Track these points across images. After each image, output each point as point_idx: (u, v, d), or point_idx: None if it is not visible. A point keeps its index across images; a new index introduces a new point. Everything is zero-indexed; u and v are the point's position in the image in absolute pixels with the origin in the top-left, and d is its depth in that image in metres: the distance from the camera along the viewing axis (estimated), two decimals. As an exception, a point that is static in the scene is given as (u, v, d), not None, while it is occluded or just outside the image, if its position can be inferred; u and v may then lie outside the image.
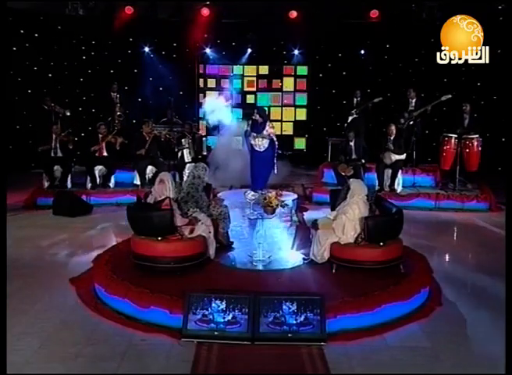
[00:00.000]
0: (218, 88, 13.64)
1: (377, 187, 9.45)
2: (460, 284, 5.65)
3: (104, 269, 5.23)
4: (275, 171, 9.92)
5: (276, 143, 10.06)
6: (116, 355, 4.05)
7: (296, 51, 13.02)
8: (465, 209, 9.17)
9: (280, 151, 12.41)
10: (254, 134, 9.81)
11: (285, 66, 13.54)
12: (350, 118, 11.11)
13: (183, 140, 10.35)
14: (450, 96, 9.95)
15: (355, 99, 11.18)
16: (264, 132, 9.93)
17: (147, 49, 12.68)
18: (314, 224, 5.68)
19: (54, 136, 9.71)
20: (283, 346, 4.18)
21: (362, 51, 12.75)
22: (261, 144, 9.86)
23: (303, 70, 13.57)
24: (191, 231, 5.42)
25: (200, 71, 13.58)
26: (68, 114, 10.67)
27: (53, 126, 9.92)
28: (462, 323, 4.68)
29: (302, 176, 11.85)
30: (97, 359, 3.99)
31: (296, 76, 13.65)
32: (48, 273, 5.80)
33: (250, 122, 10.01)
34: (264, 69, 13.62)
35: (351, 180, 5.87)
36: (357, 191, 5.51)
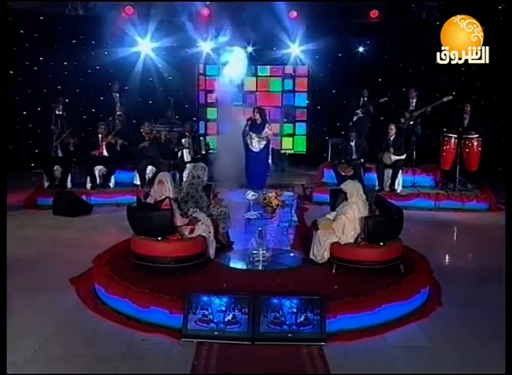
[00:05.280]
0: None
1: (377, 187, 9.46)
2: (460, 284, 5.65)
3: (104, 269, 5.22)
4: (269, 172, 10.01)
5: (272, 145, 10.14)
6: (116, 355, 4.05)
7: (296, 51, 13.00)
8: (465, 209, 9.18)
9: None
10: (253, 134, 9.85)
11: (285, 66, 13.54)
12: (355, 117, 11.12)
13: (183, 140, 10.37)
14: (451, 97, 9.96)
15: (362, 99, 11.17)
16: (264, 133, 9.99)
17: (147, 49, 12.66)
18: (314, 224, 5.68)
19: (54, 137, 9.73)
20: (283, 346, 4.19)
21: (362, 51, 12.73)
22: (258, 144, 9.93)
23: (303, 70, 13.57)
24: (191, 231, 5.42)
25: (200, 71, 13.58)
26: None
27: (52, 127, 9.92)
28: (462, 323, 4.68)
29: (302, 176, 11.86)
30: (97, 359, 3.99)
31: (296, 76, 13.65)
32: (48, 273, 5.80)
33: (249, 122, 10.06)
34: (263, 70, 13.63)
35: (343, 184, 5.80)
36: (354, 192, 5.52)
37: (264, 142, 9.96)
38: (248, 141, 9.92)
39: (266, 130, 10.01)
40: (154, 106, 12.37)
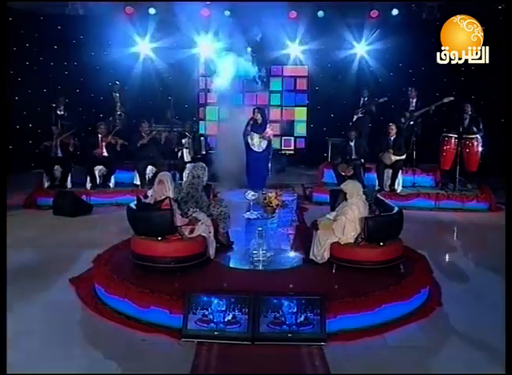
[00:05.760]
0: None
1: (377, 187, 9.46)
2: (460, 284, 5.65)
3: (104, 269, 5.23)
4: (269, 172, 10.00)
5: (273, 145, 10.16)
6: (116, 355, 4.05)
7: (296, 51, 12.99)
8: (465, 209, 9.18)
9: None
10: (254, 134, 9.87)
11: (285, 66, 13.53)
12: (355, 117, 11.11)
13: (183, 140, 10.38)
14: (452, 98, 9.96)
15: (362, 99, 11.18)
16: (265, 133, 10.01)
17: (147, 49, 12.66)
18: (314, 224, 5.68)
19: (54, 137, 9.73)
20: (283, 346, 4.19)
21: (362, 52, 12.72)
22: (260, 144, 9.96)
23: (303, 70, 13.57)
24: (191, 231, 5.42)
25: (201, 71, 13.57)
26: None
27: (52, 126, 9.92)
28: (462, 323, 4.68)
29: (302, 176, 11.86)
30: (97, 359, 3.99)
31: (296, 76, 13.65)
32: (48, 272, 5.80)
33: (250, 122, 10.07)
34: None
35: (343, 184, 5.81)
36: (354, 192, 5.51)
37: (265, 142, 9.98)
38: (250, 141, 9.94)
39: (267, 129, 10.02)
40: (154, 106, 12.37)
